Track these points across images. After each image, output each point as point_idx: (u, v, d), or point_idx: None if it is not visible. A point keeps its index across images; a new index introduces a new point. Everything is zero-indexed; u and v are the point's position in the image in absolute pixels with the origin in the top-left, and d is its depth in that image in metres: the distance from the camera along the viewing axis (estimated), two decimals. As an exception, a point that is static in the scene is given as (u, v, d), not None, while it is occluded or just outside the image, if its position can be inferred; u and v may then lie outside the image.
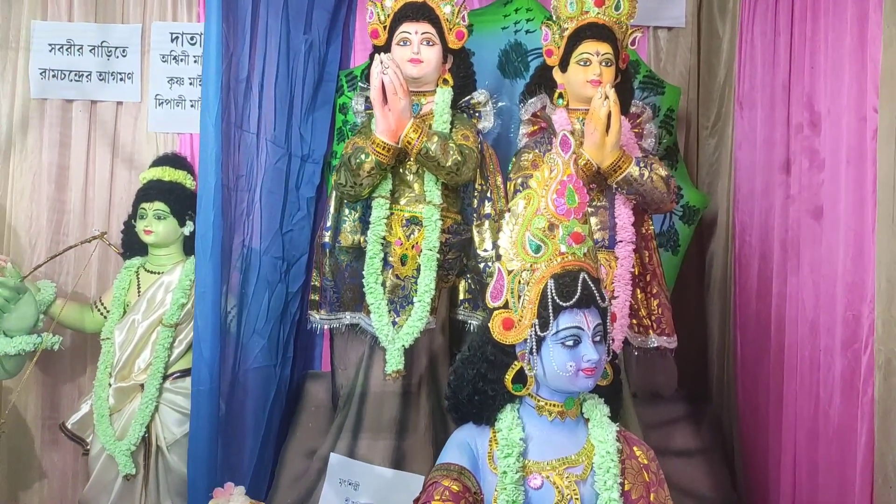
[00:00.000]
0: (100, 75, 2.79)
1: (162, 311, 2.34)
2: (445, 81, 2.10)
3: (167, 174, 2.46)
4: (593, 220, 2.14)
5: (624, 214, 2.11)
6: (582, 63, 2.10)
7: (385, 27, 2.07)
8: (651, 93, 2.76)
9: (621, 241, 2.11)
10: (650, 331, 2.23)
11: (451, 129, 2.04)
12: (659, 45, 2.98)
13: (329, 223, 2.13)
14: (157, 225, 2.41)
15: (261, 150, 2.09)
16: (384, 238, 2.01)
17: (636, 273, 2.24)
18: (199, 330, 1.76)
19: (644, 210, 2.18)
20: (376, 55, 1.92)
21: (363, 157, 1.94)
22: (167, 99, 2.79)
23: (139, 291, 2.41)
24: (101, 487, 2.34)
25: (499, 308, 1.41)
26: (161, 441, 2.38)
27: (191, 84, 2.74)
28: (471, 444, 1.44)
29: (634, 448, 1.45)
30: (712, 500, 2.31)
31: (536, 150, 2.14)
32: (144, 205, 2.42)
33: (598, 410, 1.45)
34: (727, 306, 2.68)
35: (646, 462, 1.44)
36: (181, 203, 2.42)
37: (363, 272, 2.02)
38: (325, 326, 2.18)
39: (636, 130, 2.24)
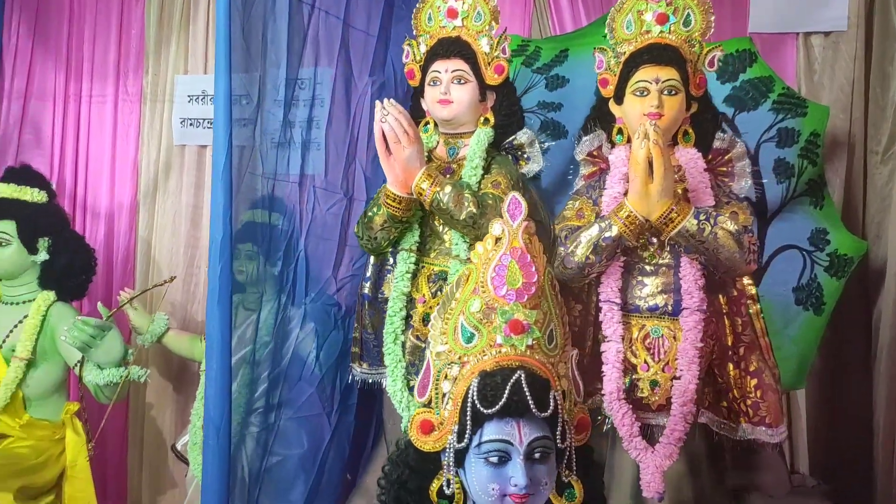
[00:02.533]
0: (242, 123, 3.03)
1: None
2: (486, 121, 1.90)
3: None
4: (655, 281, 1.78)
5: (690, 276, 1.72)
6: (638, 93, 1.75)
7: (420, 66, 1.93)
8: (788, 115, 2.25)
9: (686, 309, 1.73)
10: (742, 418, 1.79)
11: (482, 175, 1.83)
12: (812, 54, 2.44)
13: (369, 273, 2.04)
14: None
15: (306, 198, 2.08)
16: (408, 294, 1.87)
17: (728, 344, 1.82)
18: (207, 386, 1.78)
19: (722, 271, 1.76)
20: (377, 101, 1.79)
21: (375, 209, 1.83)
22: (280, 142, 2.93)
23: None
24: (192, 510, 2.49)
25: (423, 406, 1.21)
26: (245, 472, 2.48)
27: (299, 127, 2.84)
28: None
29: None
30: None
31: (585, 197, 1.84)
32: None
33: None
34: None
35: None
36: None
37: (404, 325, 1.90)
38: (368, 380, 2.09)
39: (723, 169, 1.82)
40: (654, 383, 1.75)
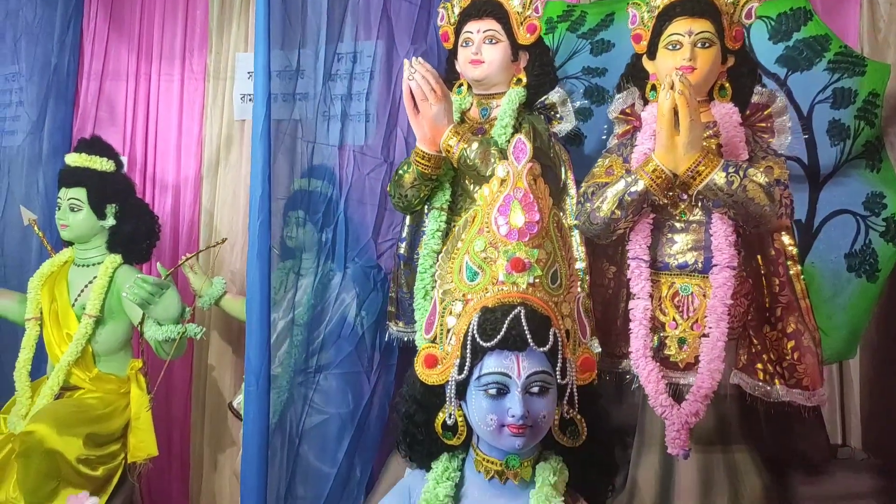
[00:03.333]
0: (283, 97, 3.14)
1: None
2: (519, 81, 1.91)
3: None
4: (685, 237, 1.75)
5: (720, 232, 1.68)
6: (671, 47, 1.72)
7: (454, 28, 1.96)
8: (845, 74, 2.16)
9: (716, 266, 1.69)
10: (777, 380, 1.74)
11: (512, 134, 1.84)
12: (877, 11, 2.32)
13: (404, 235, 2.09)
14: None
15: (346, 163, 2.14)
16: (438, 252, 1.91)
17: (765, 305, 1.78)
18: (248, 335, 1.87)
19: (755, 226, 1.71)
20: (405, 60, 1.82)
21: (405, 167, 1.87)
22: (332, 115, 3.02)
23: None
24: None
25: (429, 342, 1.24)
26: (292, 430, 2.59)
27: (340, 95, 2.91)
28: (411, 491, 1.29)
29: None
30: None
31: (616, 154, 1.82)
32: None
33: (545, 475, 1.19)
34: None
35: None
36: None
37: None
38: (404, 338, 2.14)
39: (762, 125, 1.77)
40: (682, 341, 1.73)
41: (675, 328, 1.73)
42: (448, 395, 1.19)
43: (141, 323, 2.48)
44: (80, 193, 2.58)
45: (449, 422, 1.20)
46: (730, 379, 1.76)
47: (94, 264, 2.67)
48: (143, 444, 2.60)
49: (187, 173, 3.27)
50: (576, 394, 1.20)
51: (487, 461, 1.21)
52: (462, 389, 1.18)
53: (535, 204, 1.18)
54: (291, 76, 1.96)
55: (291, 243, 2.62)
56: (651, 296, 1.74)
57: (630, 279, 1.76)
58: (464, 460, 1.26)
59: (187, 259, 2.70)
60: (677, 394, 1.76)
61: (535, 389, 1.15)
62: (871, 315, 2.11)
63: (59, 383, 2.55)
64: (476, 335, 1.15)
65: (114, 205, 2.63)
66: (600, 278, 1.95)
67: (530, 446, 1.17)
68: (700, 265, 1.73)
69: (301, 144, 1.99)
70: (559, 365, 1.16)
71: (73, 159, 2.60)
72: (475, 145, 1.78)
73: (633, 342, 1.74)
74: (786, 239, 1.79)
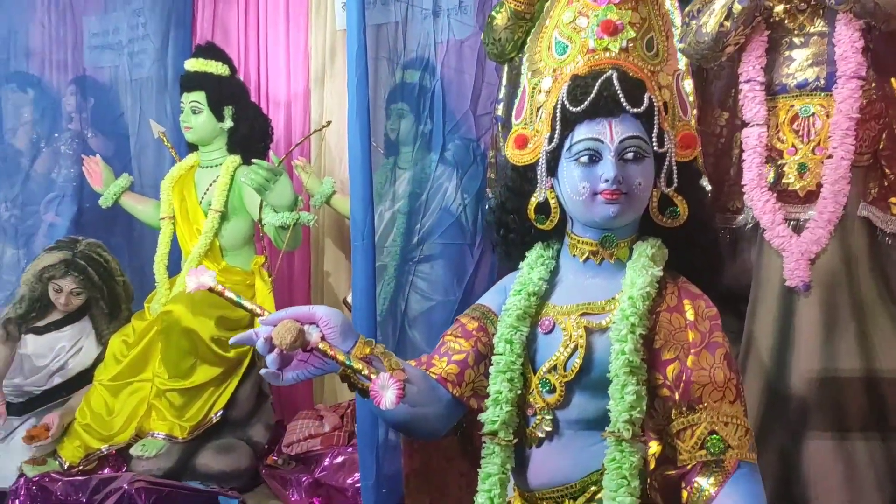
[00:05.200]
0: (383, 1, 3.17)
1: None
2: None
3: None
4: (805, 52, 1.60)
5: (846, 38, 1.52)
6: None
7: None
8: None
9: (842, 77, 1.53)
10: (909, 211, 1.58)
11: None
12: None
13: (501, 95, 2.06)
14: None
15: (440, 30, 2.13)
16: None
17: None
18: (352, 195, 1.91)
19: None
20: None
21: (498, 8, 1.83)
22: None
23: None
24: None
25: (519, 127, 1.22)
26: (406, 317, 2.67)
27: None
28: (507, 288, 1.29)
29: (685, 301, 1.10)
30: None
31: None
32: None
33: (642, 249, 1.14)
34: None
35: (693, 318, 1.08)
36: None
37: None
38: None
39: None
40: (802, 167, 1.60)
41: (795, 153, 1.60)
42: (539, 172, 1.16)
43: (260, 210, 2.63)
44: (199, 97, 2.75)
45: (540, 198, 1.17)
46: (858, 212, 1.61)
47: (216, 165, 2.85)
48: (267, 332, 2.78)
49: (296, 88, 3.40)
50: (675, 169, 1.14)
51: (582, 242, 1.16)
52: (554, 165, 1.15)
53: None
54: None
55: (393, 136, 2.67)
56: (767, 122, 1.62)
57: (743, 105, 1.64)
58: (559, 251, 1.24)
59: (298, 144, 2.84)
60: (797, 230, 1.64)
61: (630, 156, 1.09)
62: None
63: (192, 273, 2.76)
64: (566, 102, 1.10)
65: (231, 107, 2.78)
66: (712, 126, 1.84)
67: (626, 218, 1.12)
68: (822, 81, 1.58)
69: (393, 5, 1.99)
70: (655, 132, 1.10)
71: (192, 64, 2.77)
72: None
73: (747, 173, 1.63)
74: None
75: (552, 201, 1.17)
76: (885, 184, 1.62)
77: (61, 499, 2.37)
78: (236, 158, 2.82)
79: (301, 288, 3.31)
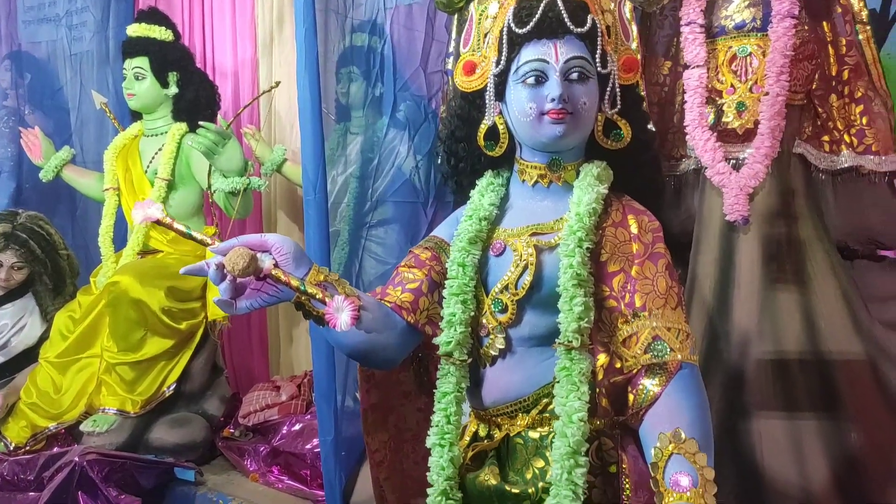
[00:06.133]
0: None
1: None
2: None
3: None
4: (741, -6, 1.65)
5: (780, -21, 1.58)
6: None
7: None
8: None
9: (777, 16, 1.59)
10: (843, 147, 1.65)
11: None
12: None
13: (451, 49, 2.07)
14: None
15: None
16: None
17: (832, 74, 1.68)
18: (303, 149, 1.89)
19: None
20: None
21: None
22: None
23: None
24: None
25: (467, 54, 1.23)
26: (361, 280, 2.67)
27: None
28: (459, 218, 1.30)
29: (630, 216, 1.14)
30: None
31: None
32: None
33: (588, 169, 1.17)
34: None
35: (637, 232, 1.12)
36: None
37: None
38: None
39: None
40: (740, 105, 1.65)
41: (733, 93, 1.66)
42: (487, 97, 1.18)
43: (209, 177, 2.58)
44: (142, 62, 2.68)
45: (489, 123, 1.19)
46: (793, 149, 1.67)
47: (161, 133, 2.78)
48: (220, 300, 2.74)
49: (244, 56, 3.33)
50: (618, 92, 1.17)
51: (531, 166, 1.19)
52: (501, 89, 1.16)
53: None
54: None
55: (344, 100, 2.65)
56: (707, 64, 1.67)
57: (683, 47, 1.69)
58: (508, 178, 1.26)
59: (248, 105, 2.80)
60: (737, 169, 1.69)
61: (575, 76, 1.12)
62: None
63: (139, 244, 2.70)
64: (512, 24, 1.12)
65: (175, 73, 2.72)
66: (655, 76, 1.88)
67: (573, 138, 1.15)
68: (759, 22, 1.63)
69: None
70: (599, 52, 1.13)
71: (134, 30, 2.70)
72: None
73: (688, 114, 1.67)
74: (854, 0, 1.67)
75: (501, 126, 1.19)
76: (818, 122, 1.69)
77: (7, 479, 2.30)
78: (182, 126, 2.76)
79: (254, 260, 3.26)
